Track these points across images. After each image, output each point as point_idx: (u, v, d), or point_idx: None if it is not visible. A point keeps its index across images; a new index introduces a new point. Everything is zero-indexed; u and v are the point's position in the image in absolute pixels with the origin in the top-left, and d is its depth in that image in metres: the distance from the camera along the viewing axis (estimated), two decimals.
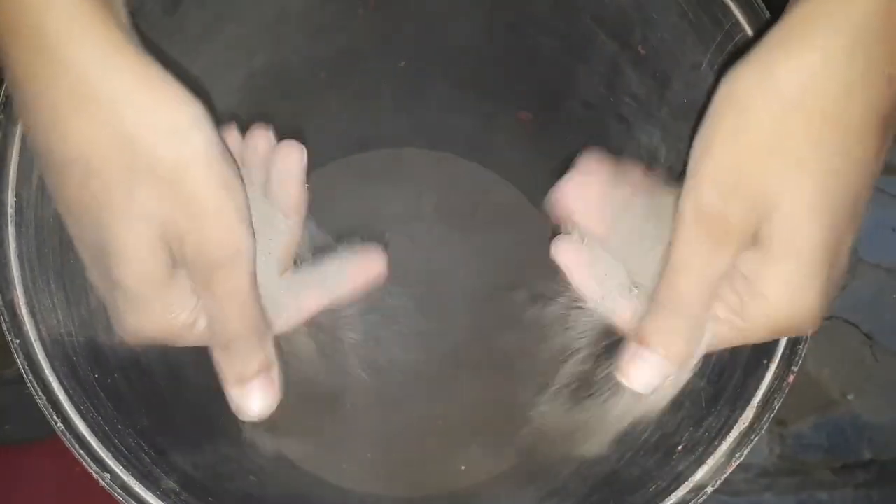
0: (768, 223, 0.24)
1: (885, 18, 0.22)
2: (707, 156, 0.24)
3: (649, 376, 0.27)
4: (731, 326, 0.26)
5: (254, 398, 0.29)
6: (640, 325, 0.27)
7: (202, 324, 0.28)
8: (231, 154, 0.27)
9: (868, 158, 0.24)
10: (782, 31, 0.23)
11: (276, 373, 0.30)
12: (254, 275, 0.27)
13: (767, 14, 0.35)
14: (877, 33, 0.22)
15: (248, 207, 0.27)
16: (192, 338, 0.28)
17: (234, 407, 0.29)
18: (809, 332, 0.27)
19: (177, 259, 0.26)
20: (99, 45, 0.24)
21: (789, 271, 0.24)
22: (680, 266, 0.25)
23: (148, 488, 0.31)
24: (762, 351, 0.34)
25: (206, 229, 0.25)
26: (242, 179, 0.27)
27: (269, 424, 0.31)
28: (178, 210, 0.25)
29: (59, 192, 0.26)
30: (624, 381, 0.28)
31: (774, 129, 0.23)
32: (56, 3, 0.23)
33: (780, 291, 0.25)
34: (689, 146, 0.26)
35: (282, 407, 0.30)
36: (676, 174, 0.42)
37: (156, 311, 0.27)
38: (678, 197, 0.26)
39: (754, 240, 0.24)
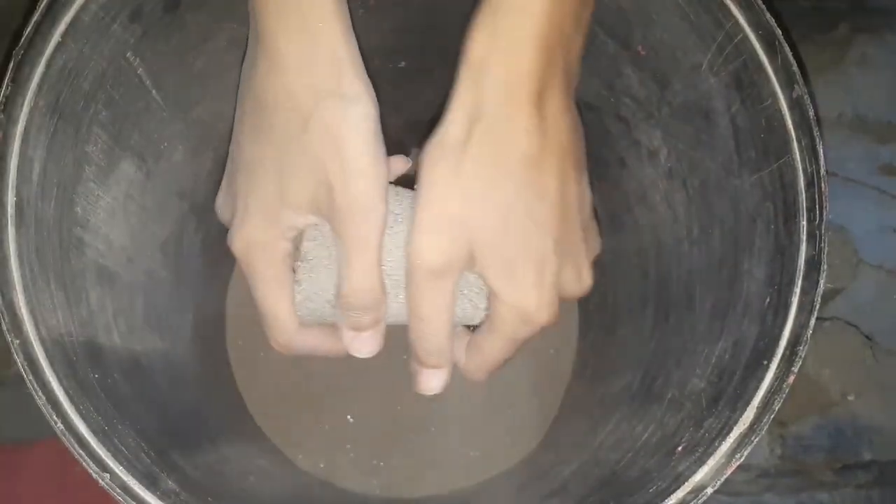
0: (477, 253, 0.31)
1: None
2: (420, 225, 0.31)
3: (435, 384, 0.36)
4: (489, 329, 0.34)
5: (362, 345, 0.35)
6: (413, 352, 0.35)
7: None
8: (382, 136, 0.32)
9: (527, 184, 0.31)
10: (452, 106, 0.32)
11: (382, 328, 0.35)
12: (381, 236, 0.32)
13: (767, 14, 0.35)
14: (508, 106, 0.30)
15: (387, 184, 0.32)
16: (280, 273, 0.34)
17: (345, 344, 0.35)
18: (541, 317, 0.32)
19: (319, 204, 0.32)
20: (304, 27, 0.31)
21: (502, 274, 0.31)
22: (426, 322, 0.33)
23: (148, 488, 0.31)
24: (762, 352, 0.34)
25: (354, 184, 0.31)
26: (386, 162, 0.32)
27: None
28: (337, 163, 0.31)
29: (251, 119, 0.33)
30: (421, 392, 0.37)
31: (460, 188, 0.30)
32: None
33: (501, 287, 0.32)
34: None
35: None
36: (674, 175, 0.42)
37: (270, 231, 0.33)
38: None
39: (471, 262, 0.32)
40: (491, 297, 0.33)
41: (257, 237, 0.33)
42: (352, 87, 0.31)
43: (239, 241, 0.34)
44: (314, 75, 0.31)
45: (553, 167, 0.31)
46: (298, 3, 0.31)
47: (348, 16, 0.33)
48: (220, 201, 0.38)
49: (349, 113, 0.31)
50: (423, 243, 0.31)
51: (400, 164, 0.38)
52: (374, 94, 0.32)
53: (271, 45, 0.31)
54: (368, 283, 0.33)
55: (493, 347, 0.35)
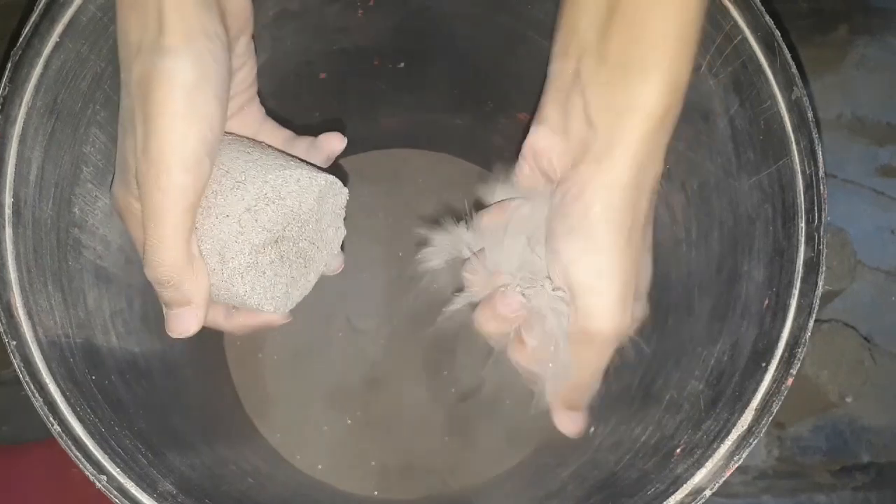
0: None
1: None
2: (622, 278, 0.31)
3: (583, 428, 0.36)
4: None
5: (171, 323, 0.32)
6: (565, 398, 0.35)
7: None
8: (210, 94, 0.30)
9: (636, 245, 0.32)
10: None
11: (197, 308, 0.32)
12: (183, 209, 0.29)
13: (766, 16, 0.35)
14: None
15: (204, 149, 0.29)
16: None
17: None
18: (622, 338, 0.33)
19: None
20: None
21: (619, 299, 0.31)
22: (593, 378, 0.34)
23: (145, 490, 0.31)
24: (760, 354, 0.34)
25: (151, 145, 0.29)
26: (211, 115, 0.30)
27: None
28: (140, 121, 0.29)
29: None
30: (569, 434, 0.36)
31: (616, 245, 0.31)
32: None
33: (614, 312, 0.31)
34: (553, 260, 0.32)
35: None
36: (672, 177, 0.42)
37: (123, 178, 0.31)
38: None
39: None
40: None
41: (117, 201, 0.32)
42: (170, 38, 0.29)
43: (112, 202, 0.33)
44: (140, 28, 0.29)
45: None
46: None
47: None
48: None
49: (158, 66, 0.29)
50: (622, 313, 0.31)
51: (336, 142, 0.38)
52: (206, 46, 0.30)
53: (116, 3, 0.30)
54: (162, 258, 0.30)
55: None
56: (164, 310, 0.33)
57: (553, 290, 0.32)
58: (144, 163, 0.29)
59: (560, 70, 0.31)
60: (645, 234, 0.32)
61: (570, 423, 0.36)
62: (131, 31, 0.30)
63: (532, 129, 0.32)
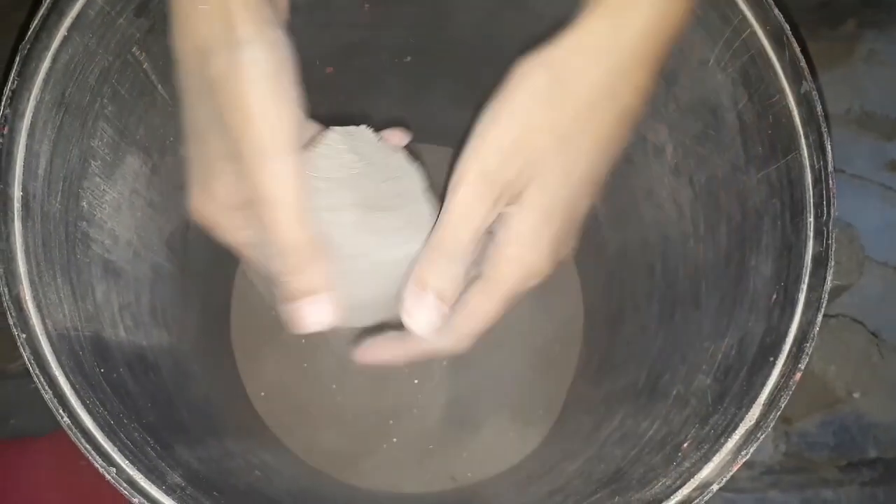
0: (529, 185, 0.30)
1: (643, 42, 0.30)
2: (494, 126, 0.30)
3: (429, 317, 0.31)
4: (483, 279, 0.31)
5: (300, 315, 0.31)
6: (418, 269, 0.31)
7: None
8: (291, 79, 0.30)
9: (611, 142, 0.31)
10: (571, 38, 0.30)
11: (325, 297, 0.31)
12: (292, 188, 0.29)
13: (775, 10, 0.35)
14: (634, 54, 0.30)
15: (299, 130, 0.29)
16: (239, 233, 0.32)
17: (285, 321, 0.32)
18: (541, 277, 0.31)
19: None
20: None
21: (532, 220, 0.30)
22: (458, 218, 0.30)
23: (153, 483, 0.31)
24: (768, 349, 0.34)
25: (250, 132, 0.28)
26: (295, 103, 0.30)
27: None
28: (233, 114, 0.29)
29: (181, 90, 0.31)
30: (409, 321, 0.32)
31: (549, 112, 0.29)
32: None
33: (522, 235, 0.30)
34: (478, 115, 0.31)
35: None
36: (680, 171, 0.42)
37: (208, 189, 0.31)
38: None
39: (516, 198, 0.30)
40: (497, 246, 0.31)
41: (203, 215, 0.31)
42: (243, 31, 0.29)
43: (192, 214, 0.32)
44: (207, 29, 0.29)
45: (620, 132, 0.31)
46: None
47: None
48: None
49: (237, 59, 0.29)
50: (489, 144, 0.29)
51: (397, 137, 0.37)
52: (275, 35, 0.30)
53: (173, 7, 0.30)
54: (287, 245, 0.30)
55: (488, 307, 0.31)
56: (290, 305, 0.31)
57: None
58: (248, 156, 0.29)
59: None
60: (590, 157, 0.30)
61: (421, 310, 0.32)
62: (196, 36, 0.29)
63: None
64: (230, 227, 0.32)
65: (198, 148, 0.31)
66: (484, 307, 0.32)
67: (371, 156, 0.35)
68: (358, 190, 0.34)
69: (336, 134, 0.34)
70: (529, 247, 0.30)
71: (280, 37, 0.30)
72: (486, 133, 0.30)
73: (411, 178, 0.36)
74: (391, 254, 0.33)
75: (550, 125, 0.29)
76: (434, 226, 0.31)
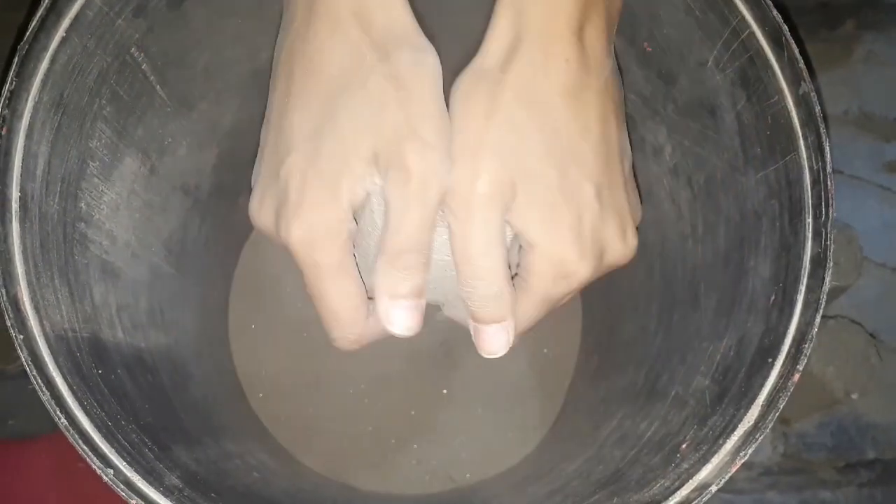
0: (519, 185, 0.29)
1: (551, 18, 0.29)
2: (464, 141, 0.29)
3: (500, 343, 0.32)
4: (521, 288, 0.31)
5: (400, 316, 0.31)
6: (470, 308, 0.32)
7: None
8: None
9: (568, 118, 0.30)
10: (490, 45, 0.30)
11: (423, 303, 0.31)
12: (441, 192, 0.29)
13: (773, 10, 0.35)
14: (549, 31, 0.29)
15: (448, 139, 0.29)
16: (336, 251, 0.30)
17: (381, 316, 0.31)
18: (581, 270, 0.31)
19: (381, 159, 0.29)
20: None
21: (540, 215, 0.29)
22: (473, 250, 0.30)
23: (151, 484, 0.31)
24: (767, 350, 0.34)
25: (424, 127, 0.29)
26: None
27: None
28: (408, 108, 0.29)
29: (301, 85, 0.30)
30: (485, 354, 0.33)
31: (500, 114, 0.29)
32: None
33: (539, 232, 0.30)
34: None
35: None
36: (679, 172, 0.42)
37: (333, 208, 0.30)
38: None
39: (511, 197, 0.29)
40: (525, 250, 0.30)
41: (320, 220, 0.29)
42: (420, 39, 0.30)
43: (298, 230, 0.30)
44: (380, 30, 0.30)
45: (595, 104, 0.30)
46: None
47: None
48: (257, 203, 0.33)
49: (422, 60, 0.29)
50: (467, 170, 0.29)
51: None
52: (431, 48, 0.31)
53: (327, 5, 0.30)
54: (417, 239, 0.29)
55: (525, 310, 0.31)
56: (386, 303, 0.31)
57: None
58: (414, 143, 0.29)
59: None
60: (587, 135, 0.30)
61: (489, 340, 0.32)
62: (365, 28, 0.30)
63: None
64: (348, 240, 0.31)
65: (312, 150, 0.30)
66: (521, 312, 0.32)
67: None
68: None
69: None
70: (543, 239, 0.30)
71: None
72: (459, 163, 0.29)
73: None
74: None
75: (507, 126, 0.29)
76: (463, 270, 0.31)
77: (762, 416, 0.32)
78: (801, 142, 0.34)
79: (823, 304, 0.33)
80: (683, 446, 0.34)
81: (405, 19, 0.30)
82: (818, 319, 0.33)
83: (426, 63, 0.30)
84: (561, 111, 0.29)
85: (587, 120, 0.30)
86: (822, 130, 0.34)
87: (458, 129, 0.29)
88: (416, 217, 0.29)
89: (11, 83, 0.32)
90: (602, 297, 0.55)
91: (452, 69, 0.31)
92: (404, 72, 0.29)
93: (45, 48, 0.33)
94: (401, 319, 0.31)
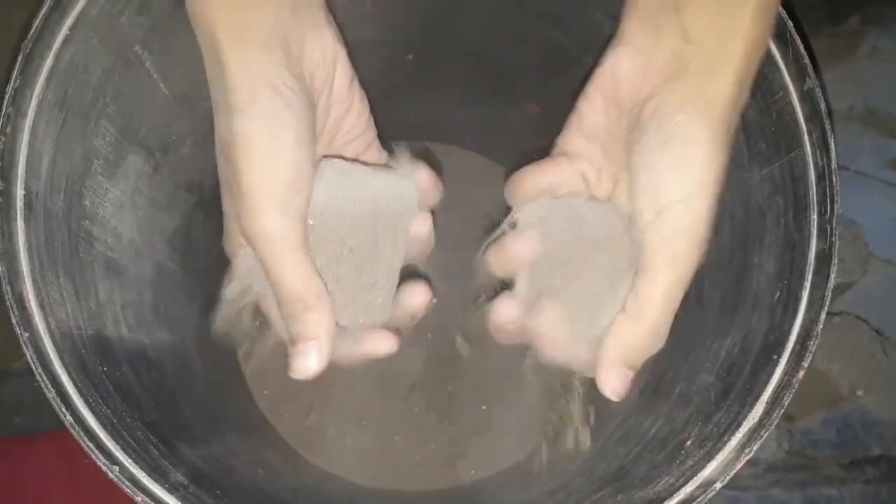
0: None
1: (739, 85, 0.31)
2: (690, 198, 0.30)
3: (628, 386, 0.32)
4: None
5: (296, 360, 0.33)
6: (629, 355, 0.32)
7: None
8: (303, 132, 0.31)
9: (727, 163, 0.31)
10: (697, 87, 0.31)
11: (323, 343, 0.32)
12: (291, 247, 0.31)
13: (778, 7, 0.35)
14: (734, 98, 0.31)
15: (292, 190, 0.30)
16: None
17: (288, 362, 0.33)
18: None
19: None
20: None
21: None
22: (665, 312, 0.31)
23: (156, 481, 0.31)
24: (772, 347, 0.33)
25: (240, 201, 0.30)
26: (308, 160, 0.31)
27: None
28: (230, 178, 0.31)
29: None
30: (610, 395, 0.32)
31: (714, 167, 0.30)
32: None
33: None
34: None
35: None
36: None
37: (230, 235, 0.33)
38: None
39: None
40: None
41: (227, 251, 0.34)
42: (235, 98, 0.30)
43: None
44: (213, 87, 0.31)
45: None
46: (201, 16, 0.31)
47: (244, 23, 0.30)
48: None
49: (233, 130, 0.30)
50: (704, 234, 0.30)
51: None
52: (270, 103, 0.30)
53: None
54: (282, 295, 0.32)
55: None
56: (289, 349, 0.33)
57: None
58: (243, 216, 0.30)
59: None
60: (728, 159, 0.32)
61: (619, 382, 0.32)
62: (211, 87, 0.32)
63: (610, 55, 0.33)
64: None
65: (223, 193, 0.33)
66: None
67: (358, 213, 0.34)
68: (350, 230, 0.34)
69: (330, 170, 0.34)
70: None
71: (283, 100, 0.30)
72: (699, 220, 0.30)
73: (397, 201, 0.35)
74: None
75: (689, 171, 0.30)
76: (633, 312, 0.31)
77: (767, 413, 0.32)
78: (806, 138, 0.34)
79: (828, 300, 0.33)
80: (688, 443, 0.34)
81: (226, 72, 0.30)
82: (823, 316, 0.33)
83: (237, 125, 0.30)
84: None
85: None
86: (827, 126, 0.34)
87: (707, 179, 0.30)
88: (273, 281, 0.31)
89: (15, 81, 0.32)
90: None
91: None
92: (224, 137, 0.31)
93: (49, 46, 0.33)
94: (297, 362, 0.33)
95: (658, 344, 0.32)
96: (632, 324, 0.31)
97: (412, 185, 0.35)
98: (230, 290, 0.34)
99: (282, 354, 0.57)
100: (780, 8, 0.34)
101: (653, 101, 0.31)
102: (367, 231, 0.34)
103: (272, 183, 0.30)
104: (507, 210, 0.36)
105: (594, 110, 0.34)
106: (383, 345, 0.35)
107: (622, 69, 0.32)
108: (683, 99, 0.30)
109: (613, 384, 0.32)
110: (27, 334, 0.31)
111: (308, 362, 0.32)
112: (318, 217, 0.33)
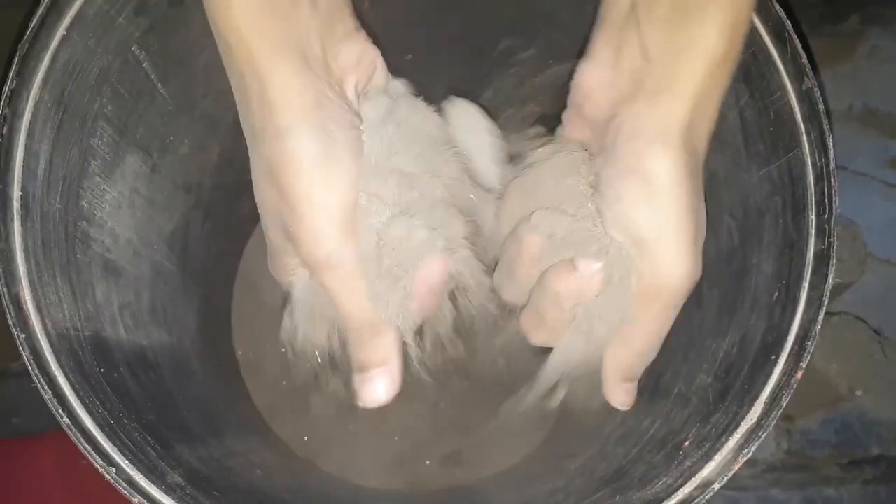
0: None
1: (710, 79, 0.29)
2: (686, 228, 0.29)
3: (633, 396, 0.34)
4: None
5: (366, 389, 0.32)
6: (629, 369, 0.33)
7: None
8: (346, 157, 0.29)
9: (696, 190, 0.30)
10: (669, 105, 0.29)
11: (394, 368, 0.32)
12: (352, 272, 0.29)
13: (776, 6, 0.35)
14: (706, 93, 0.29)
15: (346, 216, 0.29)
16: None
17: (354, 391, 0.33)
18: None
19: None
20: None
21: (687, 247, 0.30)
22: (657, 334, 0.32)
23: (153, 482, 0.31)
24: (770, 347, 0.33)
25: (300, 227, 0.29)
26: (355, 181, 0.29)
27: None
28: (284, 206, 0.29)
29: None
30: (619, 407, 0.34)
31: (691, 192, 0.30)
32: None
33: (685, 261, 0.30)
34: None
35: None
36: None
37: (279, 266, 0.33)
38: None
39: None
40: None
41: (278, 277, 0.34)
42: (282, 119, 0.28)
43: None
44: (251, 114, 0.29)
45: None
46: (227, 40, 0.29)
47: (279, 40, 0.29)
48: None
49: (279, 148, 0.28)
50: (692, 263, 0.29)
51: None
52: (317, 118, 0.29)
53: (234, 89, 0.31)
54: (356, 323, 0.31)
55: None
56: (356, 377, 0.32)
57: (609, 247, 0.30)
58: (307, 247, 0.29)
59: (613, 4, 0.30)
60: (700, 182, 0.31)
61: (625, 395, 0.34)
62: (245, 109, 0.30)
63: (579, 68, 0.31)
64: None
65: (269, 224, 0.31)
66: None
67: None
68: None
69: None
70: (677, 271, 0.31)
71: (330, 115, 0.29)
72: (680, 254, 0.29)
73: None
74: None
75: (675, 200, 0.29)
76: (627, 337, 0.32)
77: (765, 414, 0.32)
78: (805, 138, 0.34)
79: (827, 301, 0.33)
80: (686, 444, 0.34)
81: (268, 96, 0.29)
82: (821, 316, 0.33)
83: (285, 149, 0.29)
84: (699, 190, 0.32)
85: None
86: (826, 126, 0.34)
87: (678, 211, 0.30)
88: (343, 313, 0.31)
89: (12, 82, 0.32)
90: None
91: None
92: (271, 163, 0.29)
93: (46, 47, 0.33)
94: (367, 392, 0.32)
95: (654, 354, 0.33)
96: (626, 347, 0.32)
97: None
98: (290, 319, 0.34)
99: (280, 354, 0.57)
100: (779, 7, 0.34)
101: (614, 122, 0.30)
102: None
103: (334, 206, 0.29)
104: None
105: (573, 125, 0.33)
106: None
107: (587, 85, 0.31)
108: (639, 121, 0.29)
109: (621, 398, 0.34)
110: (24, 335, 0.31)
111: (378, 389, 0.32)
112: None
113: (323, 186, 0.28)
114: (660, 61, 0.28)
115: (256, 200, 0.31)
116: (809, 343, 0.32)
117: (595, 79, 0.31)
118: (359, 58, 0.32)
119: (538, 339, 0.34)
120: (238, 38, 0.28)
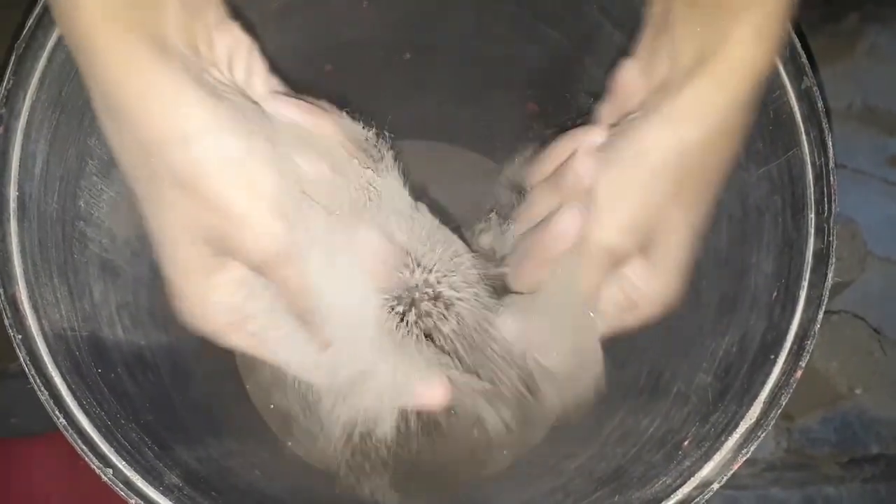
0: (656, 243, 0.30)
1: (739, 105, 0.29)
2: (620, 202, 0.29)
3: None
4: (629, 312, 0.32)
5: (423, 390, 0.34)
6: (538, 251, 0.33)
7: (250, 327, 0.30)
8: (270, 145, 0.27)
9: (708, 198, 0.31)
10: (679, 103, 0.29)
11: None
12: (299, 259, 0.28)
13: None
14: (733, 114, 0.29)
15: (290, 197, 0.27)
16: (238, 337, 0.30)
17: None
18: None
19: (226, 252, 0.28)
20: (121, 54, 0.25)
21: (666, 269, 0.31)
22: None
23: (151, 483, 0.31)
24: (769, 346, 0.33)
25: (241, 231, 0.27)
26: (288, 170, 0.28)
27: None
28: (210, 215, 0.26)
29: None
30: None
31: (671, 187, 0.29)
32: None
33: (661, 283, 0.31)
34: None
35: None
36: None
37: (196, 304, 0.29)
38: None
39: (641, 251, 0.31)
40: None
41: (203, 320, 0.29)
42: (189, 121, 0.25)
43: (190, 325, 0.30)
44: (140, 129, 0.26)
45: (719, 181, 0.32)
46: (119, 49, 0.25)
47: (165, 46, 0.26)
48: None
49: (194, 153, 0.25)
50: (617, 241, 0.30)
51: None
52: (223, 111, 0.26)
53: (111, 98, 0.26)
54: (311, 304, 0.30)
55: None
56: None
57: None
58: (254, 248, 0.27)
59: (654, 8, 0.31)
60: (698, 208, 0.31)
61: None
62: (136, 132, 0.26)
63: (620, 64, 0.32)
64: (240, 322, 0.30)
65: (178, 244, 0.28)
66: None
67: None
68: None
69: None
70: (662, 289, 0.32)
71: (234, 103, 0.27)
72: (610, 210, 0.29)
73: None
74: None
75: (671, 198, 0.29)
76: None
77: (764, 413, 0.32)
78: (804, 137, 0.34)
79: (826, 300, 0.33)
80: (685, 443, 0.34)
81: (173, 100, 0.26)
82: (821, 315, 0.32)
83: (199, 151, 0.26)
84: (704, 192, 0.32)
85: (710, 197, 0.32)
86: (825, 125, 0.34)
87: (632, 192, 0.30)
88: (294, 296, 0.30)
89: (9, 82, 0.32)
90: None
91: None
92: (184, 171, 0.26)
93: (43, 46, 0.33)
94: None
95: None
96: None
97: None
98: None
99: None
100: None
101: (630, 121, 0.30)
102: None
103: (269, 194, 0.27)
104: (500, 205, 0.36)
105: (607, 114, 0.33)
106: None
107: (622, 80, 0.32)
108: (645, 129, 0.29)
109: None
110: (20, 336, 0.31)
111: (435, 391, 0.35)
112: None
113: (255, 178, 0.26)
114: (682, 66, 0.29)
115: (154, 232, 0.28)
116: (809, 342, 0.32)
117: (628, 76, 0.32)
118: (234, 45, 0.30)
119: (523, 279, 0.35)
120: (111, 51, 0.25)
